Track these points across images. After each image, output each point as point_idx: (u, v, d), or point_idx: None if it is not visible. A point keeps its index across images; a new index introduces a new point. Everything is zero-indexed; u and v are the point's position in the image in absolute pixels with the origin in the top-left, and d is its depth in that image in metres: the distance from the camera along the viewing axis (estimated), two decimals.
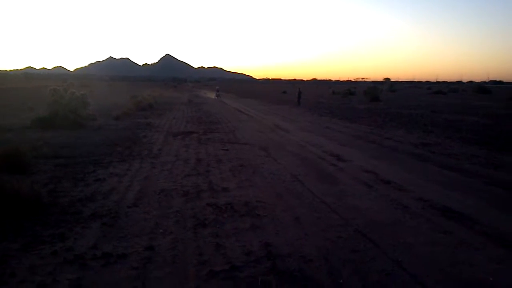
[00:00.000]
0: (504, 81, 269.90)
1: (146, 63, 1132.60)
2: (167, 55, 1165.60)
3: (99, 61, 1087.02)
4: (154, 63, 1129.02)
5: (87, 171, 10.48)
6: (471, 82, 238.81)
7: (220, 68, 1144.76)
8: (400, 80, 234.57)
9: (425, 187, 9.33)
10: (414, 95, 70.78)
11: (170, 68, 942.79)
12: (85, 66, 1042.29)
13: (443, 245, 6.03)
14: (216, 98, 55.01)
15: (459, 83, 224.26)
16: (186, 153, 13.26)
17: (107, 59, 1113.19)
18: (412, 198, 8.42)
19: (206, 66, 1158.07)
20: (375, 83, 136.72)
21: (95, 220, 6.92)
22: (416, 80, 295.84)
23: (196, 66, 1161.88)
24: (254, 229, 6.60)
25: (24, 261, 5.34)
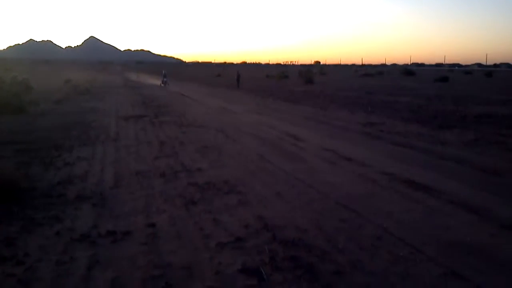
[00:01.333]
0: (426, 63, 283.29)
1: (69, 46, 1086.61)
2: (92, 37, 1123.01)
3: (18, 44, 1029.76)
4: (78, 45, 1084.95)
5: (52, 155, 10.41)
6: (394, 64, 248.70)
7: (148, 51, 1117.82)
8: (328, 63, 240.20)
9: (384, 162, 10.03)
10: (344, 78, 73.01)
11: (95, 51, 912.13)
12: (3, 49, 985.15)
13: (419, 212, 6.67)
14: (163, 85, 43.48)
15: (384, 65, 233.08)
16: (146, 136, 13.32)
17: (27, 41, 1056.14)
18: (377, 173, 9.07)
19: (133, 49, 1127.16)
20: (305, 66, 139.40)
21: (83, 201, 7.04)
22: (342, 63, 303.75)
23: (122, 49, 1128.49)
24: (243, 205, 6.96)
25: (30, 242, 5.43)
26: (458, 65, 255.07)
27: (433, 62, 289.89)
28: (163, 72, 45.44)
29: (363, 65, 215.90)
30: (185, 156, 10.52)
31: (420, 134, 14.10)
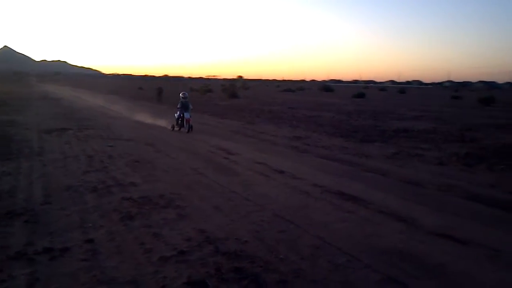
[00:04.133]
0: (343, 80, 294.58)
1: None
2: (5, 47, 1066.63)
3: None
4: None
5: None
6: (313, 80, 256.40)
7: (65, 62, 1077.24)
8: (249, 78, 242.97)
9: (314, 175, 10.39)
10: (267, 93, 74.33)
11: (8, 61, 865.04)
12: None
13: (352, 222, 7.01)
14: (177, 129, 18.87)
15: (303, 81, 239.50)
16: (71, 150, 12.89)
17: None
18: (309, 185, 9.39)
19: (49, 60, 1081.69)
20: (227, 81, 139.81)
21: (14, 218, 6.74)
22: (263, 78, 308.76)
23: (38, 59, 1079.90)
24: (182, 218, 6.96)
25: None
26: (373, 82, 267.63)
27: (350, 79, 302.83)
28: (182, 97, 18.81)
29: (283, 81, 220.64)
30: (115, 170, 10.31)
31: (345, 148, 14.72)
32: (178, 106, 18.62)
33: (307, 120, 24.61)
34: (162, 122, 21.38)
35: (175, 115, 18.87)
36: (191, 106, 18.72)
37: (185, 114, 18.32)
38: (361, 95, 59.92)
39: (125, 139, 15.48)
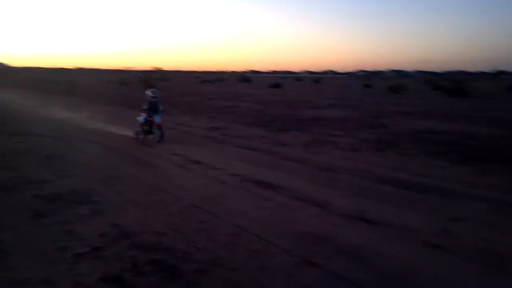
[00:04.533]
0: (262, 70, 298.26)
1: None
2: None
3: None
4: None
5: None
6: (233, 71, 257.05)
7: None
8: (169, 69, 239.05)
9: (233, 165, 10.44)
10: (185, 84, 73.54)
11: None
12: None
13: (269, 209, 7.13)
14: (143, 136, 14.36)
15: (223, 72, 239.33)
16: None
17: None
18: (227, 175, 9.43)
19: None
20: (144, 72, 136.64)
21: None
22: (183, 69, 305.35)
23: None
24: (97, 214, 6.75)
25: None
26: (290, 72, 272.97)
27: (268, 70, 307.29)
28: (151, 96, 14.63)
29: (203, 72, 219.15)
30: (24, 167, 9.80)
31: (262, 137, 14.92)
32: (144, 107, 14.19)
33: (225, 110, 24.67)
34: (74, 116, 20.57)
35: (138, 118, 14.28)
36: (161, 107, 14.54)
37: (154, 117, 13.93)
38: (278, 85, 60.77)
39: (34, 134, 14.72)
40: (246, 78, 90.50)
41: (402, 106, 27.81)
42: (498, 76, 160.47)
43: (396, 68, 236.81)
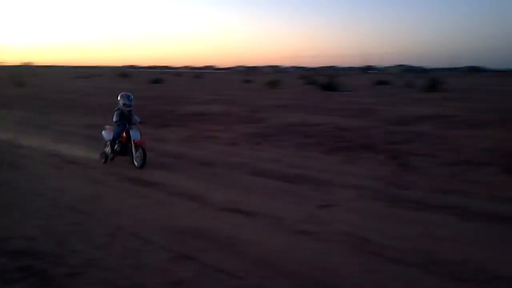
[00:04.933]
0: (140, 65, 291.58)
1: None
2: None
3: None
4: None
5: None
6: (109, 66, 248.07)
7: None
8: (41, 65, 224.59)
9: (108, 163, 10.26)
10: (60, 80, 69.65)
11: None
12: None
13: (146, 206, 7.19)
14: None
15: (99, 67, 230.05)
16: None
17: None
18: (103, 174, 9.33)
19: None
20: (12, 67, 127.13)
21: None
22: (57, 64, 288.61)
23: None
24: None
25: None
26: (169, 67, 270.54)
27: (146, 65, 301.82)
28: (123, 104, 10.54)
29: (77, 67, 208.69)
30: None
31: (147, 134, 14.71)
32: (115, 119, 10.30)
33: (100, 107, 23.86)
34: None
35: (103, 133, 10.73)
36: (137, 119, 10.78)
37: (131, 132, 10.08)
38: (158, 81, 59.95)
39: None
40: (124, 73, 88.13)
41: (277, 100, 28.86)
42: (366, 71, 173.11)
43: (273, 64, 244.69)
